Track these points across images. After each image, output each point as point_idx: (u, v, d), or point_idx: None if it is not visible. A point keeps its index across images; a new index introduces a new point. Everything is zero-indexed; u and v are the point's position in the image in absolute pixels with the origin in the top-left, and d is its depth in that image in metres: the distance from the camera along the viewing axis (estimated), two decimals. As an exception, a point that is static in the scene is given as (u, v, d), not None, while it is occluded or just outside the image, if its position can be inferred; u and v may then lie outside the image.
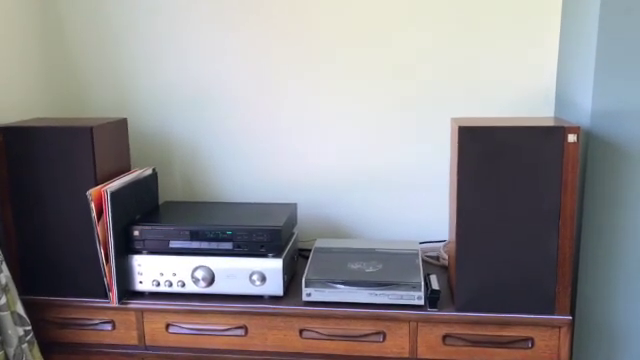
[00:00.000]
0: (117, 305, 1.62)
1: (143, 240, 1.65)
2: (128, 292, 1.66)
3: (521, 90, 1.85)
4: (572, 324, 1.52)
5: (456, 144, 1.48)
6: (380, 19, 1.86)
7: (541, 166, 1.44)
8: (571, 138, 1.42)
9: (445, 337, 1.55)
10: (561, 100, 1.78)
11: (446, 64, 1.87)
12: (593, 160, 1.52)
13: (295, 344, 1.61)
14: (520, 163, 1.44)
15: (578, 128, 1.42)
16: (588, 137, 1.52)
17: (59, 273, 1.66)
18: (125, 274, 1.64)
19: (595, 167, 1.52)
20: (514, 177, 1.45)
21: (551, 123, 1.49)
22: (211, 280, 1.62)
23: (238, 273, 1.61)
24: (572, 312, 1.53)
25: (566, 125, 1.43)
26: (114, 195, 1.57)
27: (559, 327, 1.51)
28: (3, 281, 1.53)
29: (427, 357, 1.57)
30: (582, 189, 1.54)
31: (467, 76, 1.86)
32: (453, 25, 1.84)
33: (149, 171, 1.83)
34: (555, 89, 1.83)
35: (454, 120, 1.59)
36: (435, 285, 1.59)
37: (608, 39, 1.46)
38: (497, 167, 1.45)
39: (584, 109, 1.54)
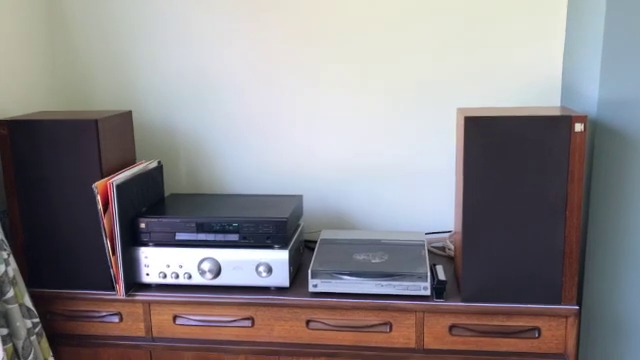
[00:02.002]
0: (124, 297, 1.63)
1: (149, 232, 1.65)
2: (135, 284, 1.67)
3: (527, 79, 1.84)
4: (579, 314, 1.52)
5: (462, 134, 1.47)
6: (386, 10, 1.85)
7: (548, 156, 1.43)
8: (578, 127, 1.41)
9: (451, 327, 1.55)
10: (567, 89, 1.77)
11: (452, 55, 1.86)
12: (600, 149, 1.51)
13: (302, 335, 1.61)
14: (526, 153, 1.44)
15: (585, 117, 1.41)
16: (595, 126, 1.51)
17: (66, 266, 1.67)
18: (132, 266, 1.65)
19: (602, 156, 1.51)
20: (520, 167, 1.45)
21: (558, 112, 1.48)
22: (217, 272, 1.63)
23: (244, 265, 1.62)
24: (579, 302, 1.53)
25: (573, 114, 1.42)
26: (120, 188, 1.58)
27: (566, 317, 1.51)
28: (11, 274, 1.54)
29: (433, 347, 1.57)
30: (589, 178, 1.54)
31: (473, 66, 1.85)
32: (459, 15, 1.83)
33: (154, 163, 1.83)
34: (561, 78, 1.82)
35: (460, 110, 1.59)
36: (441, 275, 1.59)
37: (615, 27, 1.44)
38: (503, 157, 1.45)
39: (591, 98, 1.53)
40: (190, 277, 1.64)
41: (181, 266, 1.64)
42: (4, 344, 1.50)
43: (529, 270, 1.49)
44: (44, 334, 1.63)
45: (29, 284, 1.66)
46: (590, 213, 1.54)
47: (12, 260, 1.56)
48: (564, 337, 1.52)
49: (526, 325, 1.52)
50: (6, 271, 1.52)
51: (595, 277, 1.57)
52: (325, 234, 1.84)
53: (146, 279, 1.66)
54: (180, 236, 1.65)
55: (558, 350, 1.53)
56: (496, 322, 1.53)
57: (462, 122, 1.47)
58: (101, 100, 2.04)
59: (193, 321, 1.65)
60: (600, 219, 1.54)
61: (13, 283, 1.54)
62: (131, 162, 1.80)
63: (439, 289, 1.55)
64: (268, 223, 1.61)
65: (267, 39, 1.92)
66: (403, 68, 1.88)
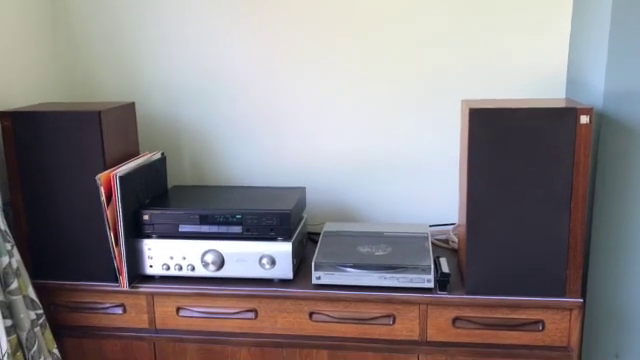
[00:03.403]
0: (127, 289, 1.63)
1: (153, 224, 1.65)
2: (138, 276, 1.67)
3: (532, 71, 1.83)
4: (583, 307, 1.51)
5: (467, 126, 1.46)
6: (390, 3, 1.84)
7: (553, 148, 1.42)
8: (584, 119, 1.40)
9: (455, 320, 1.55)
10: (573, 81, 1.76)
11: (457, 46, 1.84)
12: (606, 142, 1.50)
13: (305, 327, 1.61)
14: (531, 145, 1.43)
15: (591, 109, 1.40)
16: (601, 118, 1.50)
17: (70, 257, 1.67)
18: (135, 258, 1.65)
19: (608, 149, 1.50)
20: (525, 159, 1.44)
21: (563, 104, 1.47)
22: (221, 264, 1.63)
23: (248, 257, 1.61)
24: (583, 295, 1.52)
25: (578, 106, 1.41)
26: (123, 179, 1.57)
27: (570, 310, 1.50)
28: (14, 265, 1.54)
29: (437, 340, 1.57)
30: (594, 171, 1.53)
31: (478, 58, 1.84)
32: (465, 7, 1.81)
33: (158, 155, 1.83)
34: (567, 70, 1.81)
35: (465, 102, 1.58)
36: (445, 268, 1.59)
37: (622, 18, 1.43)
38: (508, 149, 1.44)
39: (597, 90, 1.52)
40: (193, 269, 1.64)
41: (184, 258, 1.64)
42: (8, 335, 1.50)
43: (533, 263, 1.49)
44: (48, 325, 1.64)
45: (33, 275, 1.66)
46: (595, 206, 1.54)
47: (16, 252, 1.56)
48: (568, 330, 1.52)
49: (530, 318, 1.52)
50: (10, 262, 1.52)
51: (600, 270, 1.56)
52: (328, 226, 1.84)
53: (149, 271, 1.66)
54: (183, 228, 1.65)
55: (562, 343, 1.53)
56: (500, 315, 1.53)
57: (467, 114, 1.46)
58: (104, 92, 2.03)
59: (196, 313, 1.65)
60: (605, 212, 1.53)
61: (17, 274, 1.54)
62: (134, 154, 1.80)
63: (443, 282, 1.54)
64: (271, 215, 1.61)
65: (271, 32, 1.91)
66: (407, 60, 1.87)
